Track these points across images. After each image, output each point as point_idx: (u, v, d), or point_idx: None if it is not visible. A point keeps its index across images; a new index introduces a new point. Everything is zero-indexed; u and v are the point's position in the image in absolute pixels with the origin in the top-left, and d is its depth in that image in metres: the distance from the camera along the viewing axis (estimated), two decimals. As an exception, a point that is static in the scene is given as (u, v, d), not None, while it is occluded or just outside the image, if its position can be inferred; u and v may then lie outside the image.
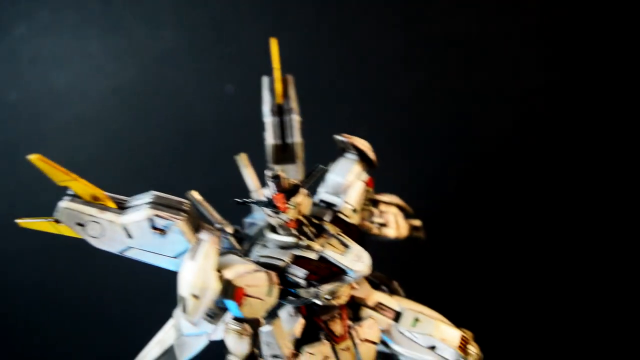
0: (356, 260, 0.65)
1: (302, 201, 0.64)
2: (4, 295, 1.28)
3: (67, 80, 1.25)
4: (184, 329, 0.77)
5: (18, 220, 0.62)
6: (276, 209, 0.63)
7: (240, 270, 0.59)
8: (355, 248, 0.66)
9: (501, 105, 1.35)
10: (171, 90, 1.29)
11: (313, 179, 0.64)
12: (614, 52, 1.33)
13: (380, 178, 0.97)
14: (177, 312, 0.79)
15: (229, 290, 0.58)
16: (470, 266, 1.29)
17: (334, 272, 0.64)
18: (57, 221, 0.62)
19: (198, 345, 0.77)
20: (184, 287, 0.54)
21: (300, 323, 0.73)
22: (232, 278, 0.58)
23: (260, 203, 0.64)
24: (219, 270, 0.58)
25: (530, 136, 1.34)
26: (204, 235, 0.55)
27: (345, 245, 0.66)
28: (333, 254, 0.65)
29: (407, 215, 0.89)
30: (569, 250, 1.30)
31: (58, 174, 0.59)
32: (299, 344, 0.72)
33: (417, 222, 0.89)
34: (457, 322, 0.78)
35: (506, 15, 1.34)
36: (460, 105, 1.34)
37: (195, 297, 0.54)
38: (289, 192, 0.63)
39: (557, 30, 1.34)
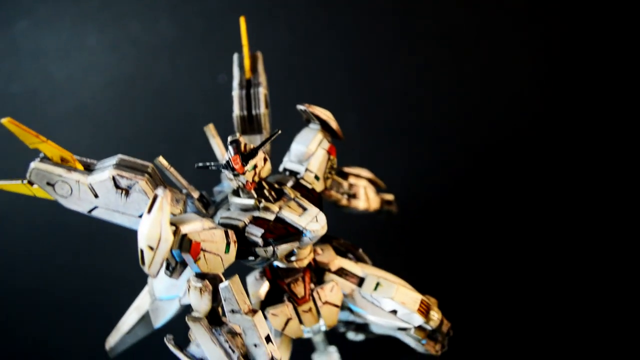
0: (312, 221, 0.68)
1: (260, 164, 0.67)
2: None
3: (66, 73, 1.30)
4: (157, 293, 0.80)
5: (-7, 182, 0.67)
6: (234, 171, 0.66)
7: (197, 226, 0.62)
8: (313, 210, 0.69)
9: (495, 95, 1.37)
10: (167, 81, 1.34)
11: (269, 141, 0.67)
12: (612, 45, 1.34)
13: (372, 163, 0.99)
14: (150, 277, 0.82)
15: (185, 244, 0.61)
16: (449, 245, 1.31)
17: (291, 232, 0.67)
18: (30, 183, 0.66)
19: (171, 309, 0.80)
20: (140, 239, 0.57)
21: (264, 286, 0.76)
22: (188, 232, 0.61)
23: (219, 165, 0.67)
24: (176, 225, 0.61)
25: (523, 127, 1.36)
26: (159, 191, 0.58)
27: (304, 208, 0.69)
28: (290, 215, 0.68)
29: (380, 190, 0.91)
30: (546, 233, 1.31)
31: (28, 136, 0.64)
32: (264, 306, 0.75)
33: (389, 197, 0.91)
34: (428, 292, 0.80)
35: (503, 7, 1.36)
36: (453, 96, 1.37)
37: (151, 248, 0.57)
38: (247, 155, 0.66)
39: (554, 22, 1.35)
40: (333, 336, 0.99)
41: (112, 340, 0.87)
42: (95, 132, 1.34)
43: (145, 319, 0.82)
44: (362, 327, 0.86)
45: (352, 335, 0.88)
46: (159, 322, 0.81)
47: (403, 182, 1.17)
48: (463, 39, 1.36)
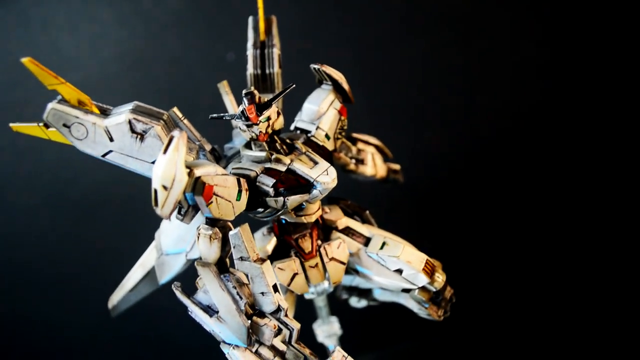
0: (323, 174, 0.69)
1: (273, 116, 0.68)
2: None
3: (75, 45, 1.31)
4: (164, 247, 0.81)
5: (11, 125, 0.67)
6: (248, 121, 0.67)
7: (211, 171, 0.63)
8: (324, 164, 0.69)
9: (503, 72, 1.38)
10: (175, 56, 1.34)
11: (283, 94, 0.68)
12: (615, 35, 1.36)
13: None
14: (158, 232, 0.83)
15: (198, 186, 0.62)
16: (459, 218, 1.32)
17: (302, 184, 0.68)
18: (46, 126, 0.67)
19: (177, 264, 0.81)
20: (155, 179, 0.58)
21: (272, 242, 0.77)
22: (202, 175, 0.62)
23: (233, 116, 0.68)
24: (190, 168, 0.62)
25: (532, 104, 1.37)
26: (175, 132, 0.59)
27: (315, 162, 0.70)
28: (301, 167, 0.68)
29: (387, 159, 0.92)
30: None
31: (48, 77, 0.64)
32: (271, 261, 0.75)
33: (396, 166, 0.92)
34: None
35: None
36: (461, 72, 1.38)
37: (165, 188, 0.58)
38: (262, 106, 0.67)
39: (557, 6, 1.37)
40: (335, 308, 0.99)
41: (115, 298, 0.87)
42: (102, 104, 1.35)
43: (150, 275, 0.83)
44: (365, 293, 0.87)
45: (354, 302, 0.89)
46: (164, 277, 0.82)
47: (411, 154, 1.17)
48: (477, 16, 1.37)
